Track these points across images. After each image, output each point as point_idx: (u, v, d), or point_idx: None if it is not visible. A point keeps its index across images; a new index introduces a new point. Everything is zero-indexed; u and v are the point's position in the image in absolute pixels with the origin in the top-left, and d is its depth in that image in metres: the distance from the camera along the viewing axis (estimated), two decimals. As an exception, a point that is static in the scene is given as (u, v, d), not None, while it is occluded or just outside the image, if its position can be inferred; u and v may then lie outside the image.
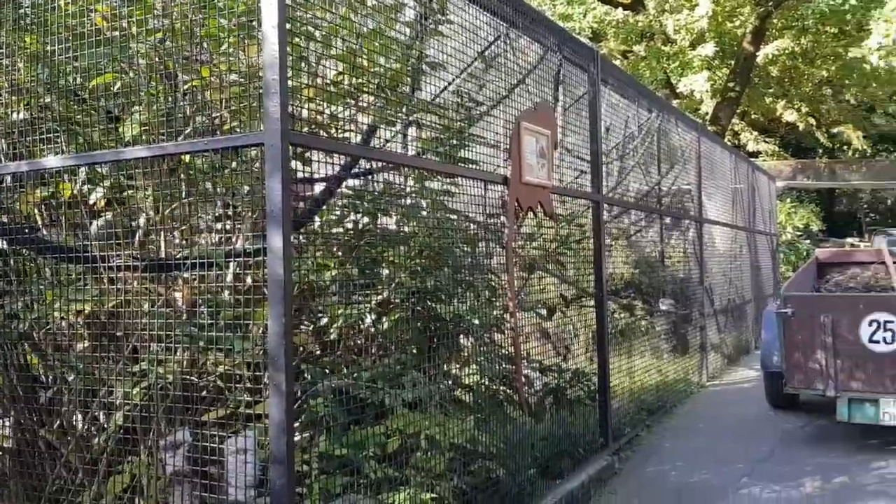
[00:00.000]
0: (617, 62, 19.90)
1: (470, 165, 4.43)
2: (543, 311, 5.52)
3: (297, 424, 3.99)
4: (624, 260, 7.88)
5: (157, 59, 3.78)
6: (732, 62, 20.49)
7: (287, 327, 2.76)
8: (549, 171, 5.00)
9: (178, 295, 3.43)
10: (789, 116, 26.27)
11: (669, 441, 6.55)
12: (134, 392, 3.17)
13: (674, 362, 8.38)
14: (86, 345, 3.44)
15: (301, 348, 4.33)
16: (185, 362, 3.23)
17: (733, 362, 10.72)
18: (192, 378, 3.20)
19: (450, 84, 4.65)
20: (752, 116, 27.62)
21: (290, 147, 2.87)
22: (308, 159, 4.44)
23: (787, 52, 19.92)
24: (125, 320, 3.26)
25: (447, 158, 4.48)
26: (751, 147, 27.47)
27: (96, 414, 3.48)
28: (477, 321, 4.53)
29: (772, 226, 16.09)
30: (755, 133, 28.26)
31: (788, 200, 23.45)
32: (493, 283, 4.76)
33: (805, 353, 6.19)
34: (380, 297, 4.43)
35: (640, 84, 8.29)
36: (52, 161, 3.36)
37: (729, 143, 17.96)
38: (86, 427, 3.49)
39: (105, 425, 3.42)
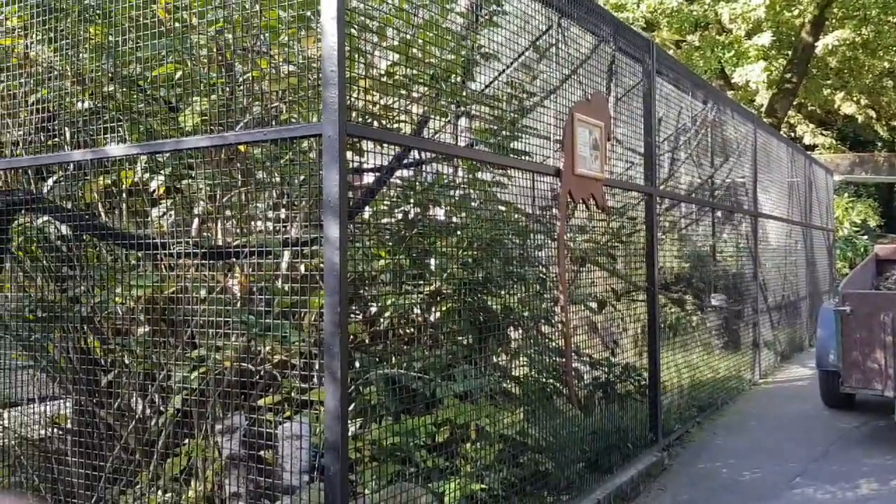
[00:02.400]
0: (670, 52, 19.59)
1: (522, 157, 4.41)
2: (594, 305, 5.48)
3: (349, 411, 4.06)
4: (675, 254, 7.78)
5: (216, 51, 3.85)
6: (790, 52, 20.01)
7: (342, 316, 2.78)
8: (602, 163, 4.96)
9: (234, 283, 3.48)
10: (848, 108, 25.60)
11: (721, 438, 6.46)
12: (192, 377, 3.24)
13: (725, 358, 8.25)
14: (145, 330, 3.53)
15: (353, 336, 4.38)
16: (240, 349, 3.28)
17: (787, 359, 10.52)
18: (247, 365, 3.26)
19: (500, 74, 4.64)
20: (809, 108, 26.94)
21: (347, 137, 2.89)
22: (360, 149, 4.48)
23: (847, 42, 19.37)
24: (183, 306, 3.32)
25: (499, 149, 4.47)
26: (807, 140, 26.83)
27: (154, 397, 3.56)
28: (527, 313, 4.52)
29: (828, 221, 15.71)
30: (812, 126, 27.59)
31: (846, 195, 22.83)
32: (543, 276, 4.74)
33: (863, 352, 6.05)
34: (430, 287, 4.45)
35: (695, 75, 8.14)
36: (115, 149, 3.43)
37: (785, 136, 17.58)
38: (144, 410, 3.57)
39: (162, 409, 3.50)
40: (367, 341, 4.49)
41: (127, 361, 3.57)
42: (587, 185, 4.75)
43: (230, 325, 3.25)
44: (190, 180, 3.66)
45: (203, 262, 3.44)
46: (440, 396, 3.86)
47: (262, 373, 3.34)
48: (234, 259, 3.41)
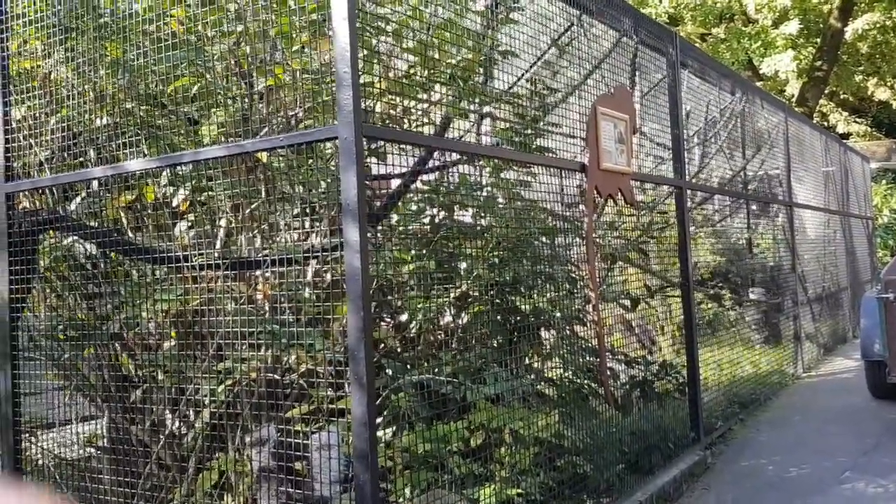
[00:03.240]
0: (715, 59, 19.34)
1: (545, 154, 4.33)
2: (627, 303, 5.37)
3: (379, 420, 4.00)
4: (710, 248, 7.62)
5: (232, 62, 3.83)
6: (818, 40, 19.64)
7: (366, 321, 2.73)
8: (629, 156, 4.86)
9: (258, 293, 3.45)
10: (882, 94, 25.08)
11: (765, 434, 6.29)
12: (219, 390, 3.20)
13: (766, 353, 8.06)
14: (172, 344, 3.50)
15: (382, 344, 4.33)
16: (268, 360, 3.24)
17: (830, 352, 10.27)
18: (275, 375, 3.21)
19: (524, 74, 4.57)
20: (842, 96, 26.43)
21: (364, 139, 2.84)
22: (382, 154, 4.44)
23: (877, 25, 18.98)
24: (209, 318, 3.29)
25: (522, 147, 4.40)
26: (841, 129, 26.33)
27: (185, 412, 3.54)
28: (558, 313, 4.43)
29: (867, 209, 15.36)
30: (845, 114, 27.07)
31: (884, 182, 22.33)
32: (573, 275, 4.65)
33: (910, 339, 5.85)
34: (458, 290, 4.38)
35: (722, 65, 8.00)
36: (134, 164, 3.42)
37: (818, 125, 17.26)
38: (175, 425, 3.55)
39: (193, 423, 3.47)
40: (397, 348, 4.44)
41: (156, 377, 3.55)
42: (614, 180, 4.65)
43: (255, 335, 3.21)
44: (210, 192, 3.64)
45: (227, 273, 3.41)
46: (471, 400, 3.78)
47: (290, 383, 3.29)
48: (257, 269, 3.38)
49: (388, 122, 4.31)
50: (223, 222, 3.73)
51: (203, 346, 3.42)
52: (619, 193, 4.75)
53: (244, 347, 3.18)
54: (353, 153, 2.75)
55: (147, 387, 3.58)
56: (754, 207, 8.42)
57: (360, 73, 3.26)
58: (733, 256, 8.35)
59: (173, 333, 3.45)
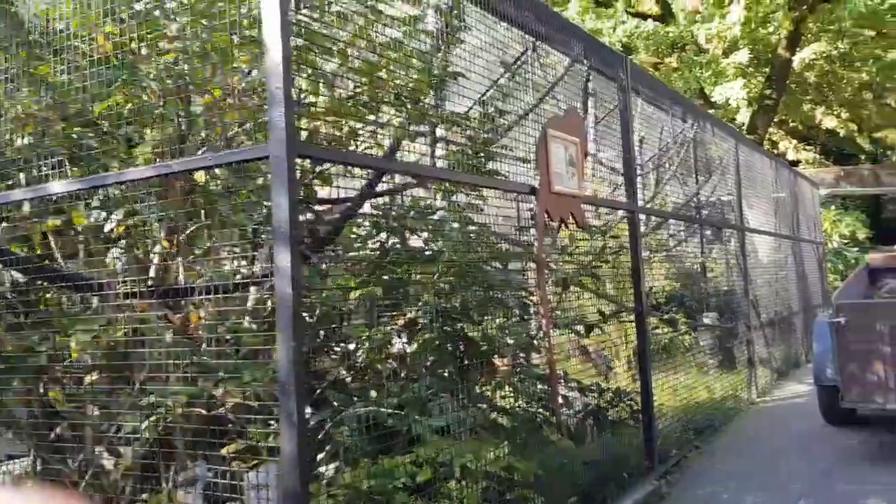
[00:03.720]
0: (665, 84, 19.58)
1: (496, 177, 4.23)
2: (580, 329, 5.27)
3: (321, 455, 3.82)
4: (664, 273, 7.59)
5: (167, 80, 3.66)
6: (768, 69, 20.05)
7: (297, 353, 2.56)
8: (580, 180, 4.78)
9: (187, 322, 3.26)
10: (829, 123, 25.66)
11: (720, 461, 6.21)
12: (143, 426, 3.00)
13: (721, 378, 8.02)
14: (95, 377, 3.29)
15: (328, 374, 4.15)
16: (198, 394, 3.04)
17: (783, 376, 10.29)
18: (202, 410, 3.02)
19: (480, 97, 4.48)
20: (791, 124, 27.01)
21: (298, 159, 2.69)
22: (329, 176, 4.30)
23: (823, 55, 19.43)
24: (135, 350, 3.09)
25: (472, 170, 4.30)
26: (791, 156, 26.84)
27: (112, 449, 3.32)
28: (510, 340, 4.30)
29: (817, 234, 15.59)
30: (794, 141, 27.63)
31: (833, 208, 22.77)
32: (525, 300, 4.53)
33: (862, 364, 5.83)
34: (405, 318, 4.23)
35: (673, 90, 8.02)
36: (56, 186, 3.23)
37: (771, 153, 17.54)
38: (102, 463, 3.32)
39: (117, 462, 3.26)
40: (344, 378, 4.26)
41: (84, 411, 3.33)
42: (565, 204, 4.56)
43: (183, 367, 3.02)
44: (141, 216, 3.45)
45: (155, 301, 3.21)
46: (416, 433, 3.62)
47: (221, 419, 3.10)
48: (189, 297, 3.19)
49: (333, 143, 4.17)
50: (154, 248, 3.53)
51: (131, 380, 3.21)
52: (571, 217, 4.66)
53: (172, 380, 2.98)
54: (286, 173, 2.60)
55: (72, 423, 3.35)
56: (707, 232, 8.42)
57: (299, 90, 3.13)
58: (687, 281, 8.35)
59: (95, 366, 3.24)
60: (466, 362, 4.22)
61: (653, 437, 5.64)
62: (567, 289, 5.33)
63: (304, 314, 4.01)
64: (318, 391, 4.10)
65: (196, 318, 3.17)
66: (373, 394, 4.01)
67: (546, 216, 4.37)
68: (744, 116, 20.78)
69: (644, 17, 19.64)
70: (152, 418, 3.00)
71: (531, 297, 4.69)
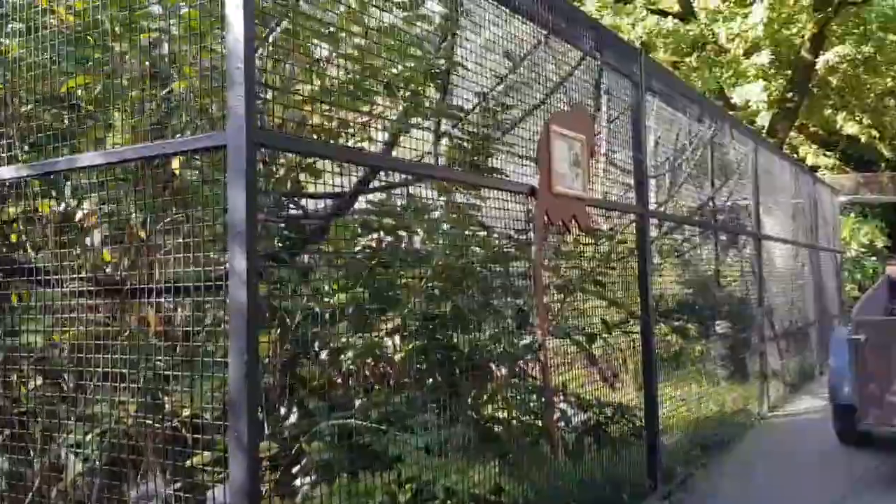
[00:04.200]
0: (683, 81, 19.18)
1: (493, 176, 3.92)
2: (581, 338, 4.94)
3: (296, 469, 3.54)
4: (675, 279, 7.26)
5: (136, 60, 3.37)
6: (790, 72, 19.59)
7: (251, 365, 2.27)
8: (586, 181, 4.46)
9: (147, 323, 2.97)
10: (850, 129, 25.15)
11: (728, 480, 5.88)
12: (87, 439, 2.72)
13: (731, 392, 7.68)
14: (39, 383, 3.01)
15: (304, 382, 3.87)
16: (146, 405, 2.76)
17: (797, 390, 9.92)
18: (153, 423, 2.73)
19: (490, 91, 4.17)
20: (812, 129, 26.49)
21: (260, 149, 2.40)
22: (318, 170, 4.00)
23: (847, 59, 18.95)
24: (76, 355, 2.81)
25: (470, 168, 4.00)
26: (810, 161, 26.33)
27: (55, 461, 3.03)
28: (501, 350, 4.00)
29: (835, 242, 15.16)
30: (815, 146, 27.13)
31: (852, 215, 22.28)
32: (523, 308, 4.22)
33: (881, 385, 5.49)
34: (391, 324, 3.93)
35: (691, 89, 7.67)
36: (4, 172, 2.94)
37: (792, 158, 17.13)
38: (41, 476, 3.04)
39: (60, 476, 2.97)
40: (325, 386, 3.98)
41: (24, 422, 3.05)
42: (568, 206, 4.25)
43: (139, 374, 2.73)
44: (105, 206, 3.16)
45: (111, 300, 2.93)
46: (393, 453, 3.32)
47: (173, 432, 2.80)
48: (142, 297, 2.90)
49: (321, 135, 3.88)
50: (118, 240, 3.24)
51: (80, 387, 2.93)
52: (574, 220, 4.34)
53: (120, 390, 2.69)
54: (243, 164, 2.30)
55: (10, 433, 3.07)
56: (722, 238, 8.07)
57: (275, 74, 2.84)
58: (700, 288, 8.02)
59: (36, 370, 2.96)
60: (456, 373, 3.92)
61: (657, 453, 5.33)
62: (570, 295, 5.02)
63: (285, 317, 3.75)
64: (288, 398, 3.83)
65: (156, 320, 2.88)
66: (356, 404, 3.71)
67: (546, 219, 4.06)
68: (764, 119, 20.35)
69: (664, 14, 19.23)
70: (97, 430, 2.72)
71: (529, 304, 4.37)
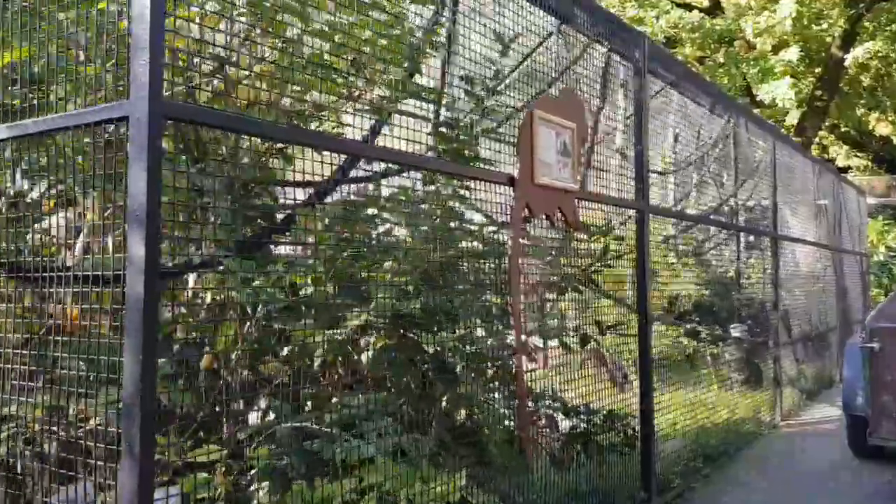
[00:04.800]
0: (693, 69, 18.71)
1: (468, 165, 3.63)
2: (570, 341, 4.64)
3: (253, 471, 3.30)
4: (680, 280, 6.93)
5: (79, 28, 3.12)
6: (819, 69, 19.02)
7: (148, 370, 2.01)
8: (575, 171, 4.15)
9: (67, 317, 2.73)
10: (883, 129, 24.44)
11: (730, 494, 5.54)
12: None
13: (741, 398, 7.33)
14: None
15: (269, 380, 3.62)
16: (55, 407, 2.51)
17: (813, 397, 9.51)
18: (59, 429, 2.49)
19: (469, 79, 3.88)
20: (843, 129, 25.80)
21: (168, 122, 2.14)
22: (290, 157, 3.75)
23: (878, 55, 18.34)
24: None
25: (446, 154, 3.72)
26: (840, 162, 25.69)
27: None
28: (471, 352, 3.71)
29: (861, 245, 14.64)
30: (846, 147, 26.46)
31: (881, 218, 21.64)
32: (502, 307, 3.93)
33: (895, 396, 5.12)
34: (358, 320, 3.66)
35: (702, 78, 7.29)
36: None
37: (813, 155, 16.61)
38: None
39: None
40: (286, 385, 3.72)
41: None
42: (553, 198, 3.95)
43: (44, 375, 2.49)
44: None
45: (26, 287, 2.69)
46: (340, 459, 3.06)
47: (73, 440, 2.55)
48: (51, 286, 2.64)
49: (292, 117, 3.62)
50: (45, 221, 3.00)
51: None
52: (560, 214, 4.04)
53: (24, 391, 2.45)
54: (146, 139, 2.04)
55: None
56: (737, 237, 7.71)
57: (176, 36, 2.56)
58: (714, 289, 7.68)
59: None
60: (423, 375, 3.65)
61: (651, 463, 5.02)
62: (561, 295, 4.72)
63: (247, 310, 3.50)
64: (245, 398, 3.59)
65: (76, 314, 2.64)
66: (308, 405, 3.46)
67: (526, 211, 3.76)
68: (794, 118, 19.79)
69: (690, 7, 18.76)
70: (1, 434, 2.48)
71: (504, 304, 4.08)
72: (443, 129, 3.72)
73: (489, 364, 3.82)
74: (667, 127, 6.59)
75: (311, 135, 2.96)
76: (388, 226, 3.77)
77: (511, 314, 3.65)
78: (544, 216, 3.92)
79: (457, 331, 3.66)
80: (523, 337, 3.72)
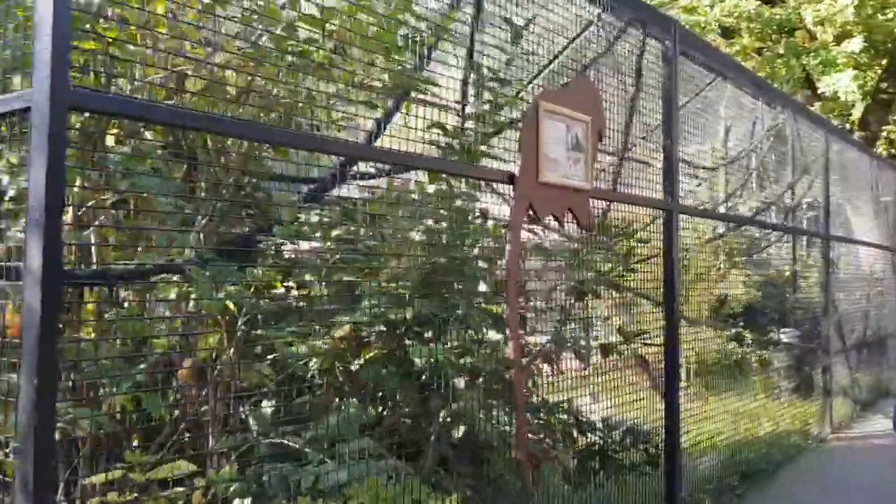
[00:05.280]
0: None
1: (451, 159, 3.33)
2: (590, 351, 4.31)
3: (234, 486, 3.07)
4: (734, 282, 6.56)
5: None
6: (885, 61, 18.07)
7: (45, 397, 1.76)
8: (590, 169, 3.81)
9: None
10: (955, 123, 23.19)
11: (765, 517, 5.14)
12: None
13: (783, 408, 6.87)
14: None
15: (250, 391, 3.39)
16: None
17: (868, 407, 8.92)
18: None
19: (477, 66, 3.58)
20: (914, 124, 24.56)
21: (72, 112, 1.89)
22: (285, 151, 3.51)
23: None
24: None
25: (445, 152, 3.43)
26: (908, 157, 24.48)
27: None
28: (466, 364, 3.42)
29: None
30: (917, 143, 25.21)
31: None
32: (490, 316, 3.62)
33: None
34: (342, 331, 3.39)
35: (740, 65, 6.81)
36: None
37: (882, 153, 15.80)
38: None
39: None
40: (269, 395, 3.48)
41: None
42: (562, 198, 3.62)
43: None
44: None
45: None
46: (307, 485, 2.80)
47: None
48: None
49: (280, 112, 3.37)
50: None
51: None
52: (571, 215, 3.71)
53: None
54: (46, 129, 1.80)
55: None
56: (778, 237, 7.24)
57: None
58: (764, 293, 7.26)
59: None
60: (423, 389, 3.37)
61: (676, 481, 4.65)
62: (581, 300, 4.39)
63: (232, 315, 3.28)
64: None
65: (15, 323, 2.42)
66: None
67: (530, 213, 3.44)
68: (858, 112, 18.88)
69: (749, -5, 18.01)
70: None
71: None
72: (446, 124, 3.43)
73: (486, 376, 3.51)
74: (717, 120, 6.21)
75: (265, 130, 2.68)
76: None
77: (507, 323, 3.33)
78: (552, 217, 3.59)
79: (449, 342, 3.36)
80: (520, 351, 3.40)
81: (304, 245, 3.75)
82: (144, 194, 2.66)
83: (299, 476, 2.80)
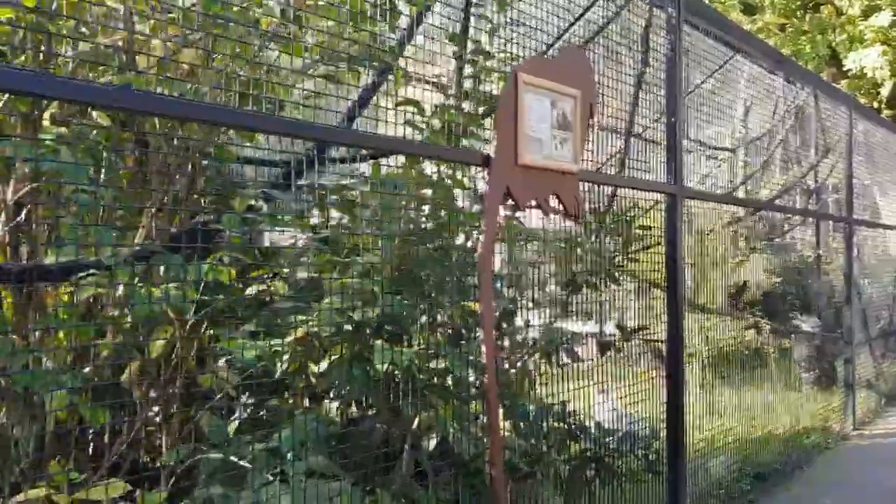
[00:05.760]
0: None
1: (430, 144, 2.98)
2: (580, 349, 3.96)
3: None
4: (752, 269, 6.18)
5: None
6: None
7: None
8: (578, 148, 3.43)
9: None
10: None
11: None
12: None
13: (802, 404, 6.47)
14: None
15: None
16: None
17: (894, 402, 8.48)
18: None
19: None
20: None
21: None
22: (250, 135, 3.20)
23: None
24: None
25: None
26: (939, 136, 23.66)
27: None
28: (443, 366, 3.07)
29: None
30: (948, 121, 24.40)
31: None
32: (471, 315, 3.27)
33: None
34: (299, 330, 3.06)
35: (753, 36, 6.35)
36: None
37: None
38: None
39: None
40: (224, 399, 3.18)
41: None
42: (545, 182, 3.25)
43: None
44: None
45: None
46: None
47: None
48: None
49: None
50: None
51: None
52: (557, 200, 3.34)
53: None
54: None
55: None
56: (796, 221, 6.83)
57: None
58: (782, 280, 6.88)
59: None
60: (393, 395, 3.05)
61: (678, 487, 4.30)
62: (575, 293, 4.04)
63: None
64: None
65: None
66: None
67: (507, 198, 3.07)
68: (886, 90, 18.19)
69: (770, -30, 17.39)
70: None
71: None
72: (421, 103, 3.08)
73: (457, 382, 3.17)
74: (735, 99, 5.83)
75: (195, 108, 2.34)
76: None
77: (482, 324, 2.97)
78: (534, 203, 3.22)
79: (413, 346, 3.02)
80: (494, 355, 3.06)
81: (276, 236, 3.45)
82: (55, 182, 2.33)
83: (234, 502, 2.47)
